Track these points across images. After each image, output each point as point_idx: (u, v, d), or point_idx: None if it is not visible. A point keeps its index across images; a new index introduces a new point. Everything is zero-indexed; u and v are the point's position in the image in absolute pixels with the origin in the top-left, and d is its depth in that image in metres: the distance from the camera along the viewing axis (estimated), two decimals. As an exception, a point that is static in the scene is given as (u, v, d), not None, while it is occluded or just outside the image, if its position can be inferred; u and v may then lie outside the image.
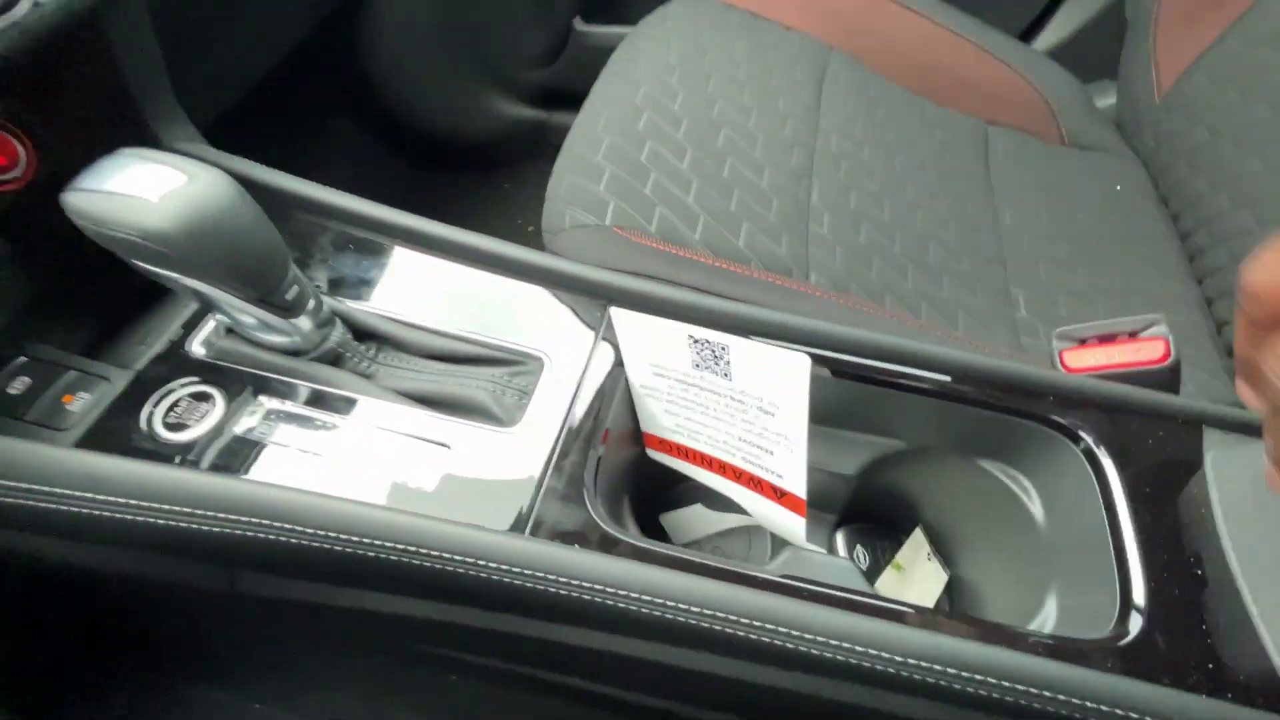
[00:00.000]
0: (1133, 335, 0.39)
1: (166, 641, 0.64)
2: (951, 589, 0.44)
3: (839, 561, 0.36)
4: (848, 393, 0.39)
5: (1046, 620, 0.33)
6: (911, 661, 0.27)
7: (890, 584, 0.42)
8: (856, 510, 0.45)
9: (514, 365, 0.37)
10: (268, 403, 0.34)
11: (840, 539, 0.42)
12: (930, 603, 0.43)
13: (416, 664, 0.52)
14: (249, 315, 0.33)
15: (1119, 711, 0.25)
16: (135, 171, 0.28)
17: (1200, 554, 0.30)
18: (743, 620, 0.27)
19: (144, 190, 0.27)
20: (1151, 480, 0.33)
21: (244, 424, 0.33)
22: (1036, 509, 0.37)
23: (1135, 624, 0.28)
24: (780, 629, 0.27)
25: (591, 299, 0.40)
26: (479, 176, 1.21)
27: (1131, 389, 0.35)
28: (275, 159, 0.53)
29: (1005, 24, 0.84)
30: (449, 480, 0.32)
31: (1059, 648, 0.28)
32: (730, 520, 0.43)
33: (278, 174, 0.43)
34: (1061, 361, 0.39)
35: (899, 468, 0.42)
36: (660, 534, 0.44)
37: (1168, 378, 0.37)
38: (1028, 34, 0.89)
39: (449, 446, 0.33)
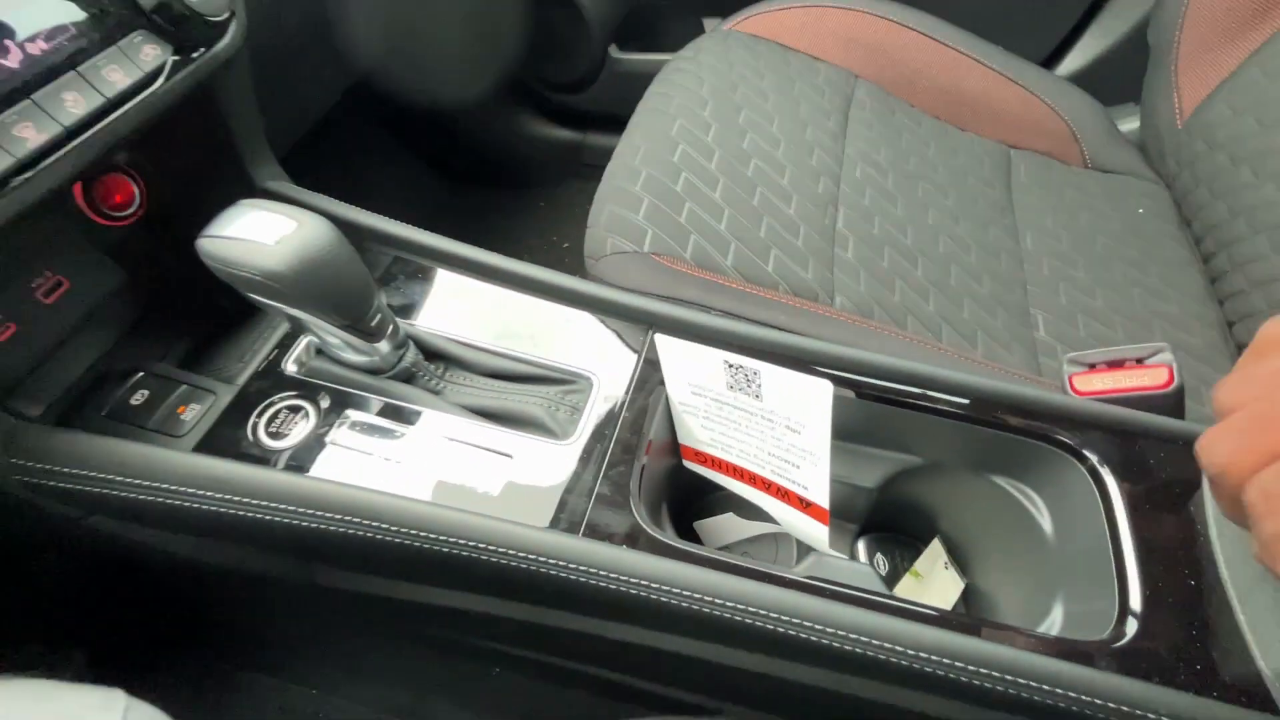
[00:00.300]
0: (1140, 361, 0.42)
1: (230, 632, 0.70)
2: (967, 597, 0.47)
3: (859, 567, 0.39)
4: (869, 412, 0.42)
5: (1053, 624, 0.36)
6: (924, 655, 0.30)
7: (908, 590, 0.45)
8: (877, 520, 0.48)
9: (566, 384, 0.41)
10: (353, 415, 0.38)
11: (862, 546, 0.45)
12: (950, 605, 0.46)
13: (462, 657, 0.57)
14: (336, 338, 0.38)
15: (1112, 705, 0.28)
16: (254, 219, 0.33)
17: (1194, 565, 0.33)
18: (772, 614, 0.31)
19: (262, 236, 0.32)
20: (1152, 498, 0.35)
21: (333, 433, 0.38)
22: (1045, 522, 0.40)
23: (1131, 628, 0.31)
24: (806, 623, 0.31)
25: (634, 324, 0.44)
26: (517, 195, 1.27)
27: (1136, 413, 0.38)
28: (334, 185, 0.58)
29: (1028, 51, 0.86)
30: (511, 486, 0.36)
31: (1061, 647, 0.31)
32: (759, 528, 0.47)
33: (353, 209, 0.48)
34: (1071, 385, 0.42)
35: (917, 481, 0.45)
36: (694, 539, 0.48)
37: (1172, 402, 0.39)
38: (1050, 60, 0.91)
39: (511, 456, 0.37)
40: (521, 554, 0.32)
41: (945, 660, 0.29)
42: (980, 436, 0.41)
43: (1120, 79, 0.89)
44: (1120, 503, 0.35)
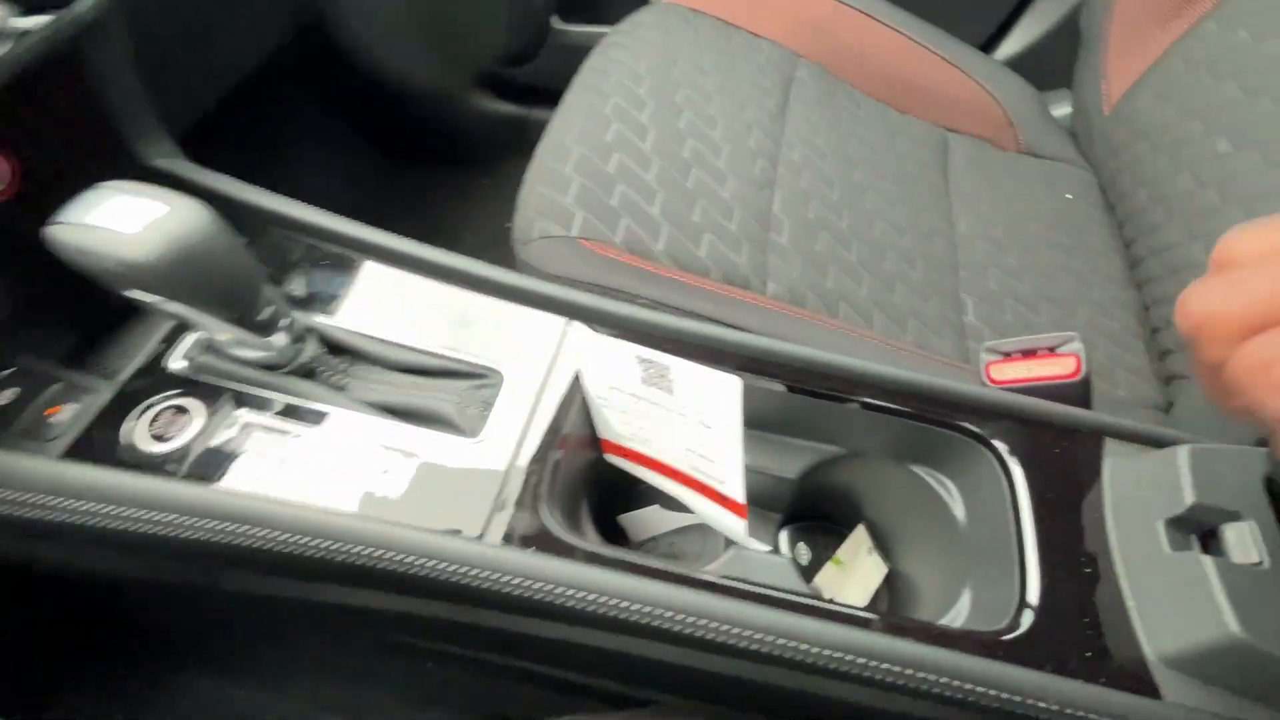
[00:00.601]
0: (1052, 350, 0.42)
1: (152, 634, 0.67)
2: (890, 581, 0.48)
3: (778, 560, 0.39)
4: (790, 403, 0.42)
5: (960, 613, 0.37)
6: (829, 653, 0.30)
7: (830, 578, 0.46)
8: (802, 509, 0.48)
9: (478, 379, 0.39)
10: (245, 415, 0.36)
11: (784, 537, 0.45)
12: (869, 594, 0.46)
13: (395, 652, 0.55)
14: (224, 333, 0.35)
15: (1006, 695, 0.29)
16: (116, 204, 0.30)
17: (1090, 554, 0.34)
18: (681, 617, 0.30)
19: (125, 223, 0.29)
20: (1055, 487, 0.36)
21: (222, 435, 0.35)
22: (959, 510, 0.41)
23: (1027, 619, 0.32)
24: (715, 624, 0.30)
25: (554, 314, 0.42)
26: (460, 172, 1.22)
27: (1043, 403, 0.38)
28: (255, 161, 0.54)
29: (967, 34, 0.87)
30: (415, 487, 0.35)
31: (960, 640, 0.31)
32: (684, 519, 0.46)
33: (254, 190, 0.45)
34: (987, 374, 0.43)
35: (839, 470, 0.45)
36: (619, 533, 0.47)
37: (1079, 390, 0.40)
38: (989, 44, 0.92)
39: (415, 455, 0.36)
40: (419, 560, 0.31)
41: (850, 657, 0.29)
42: (899, 426, 0.41)
43: (1056, 64, 0.90)
44: (1025, 492, 0.36)
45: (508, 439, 0.36)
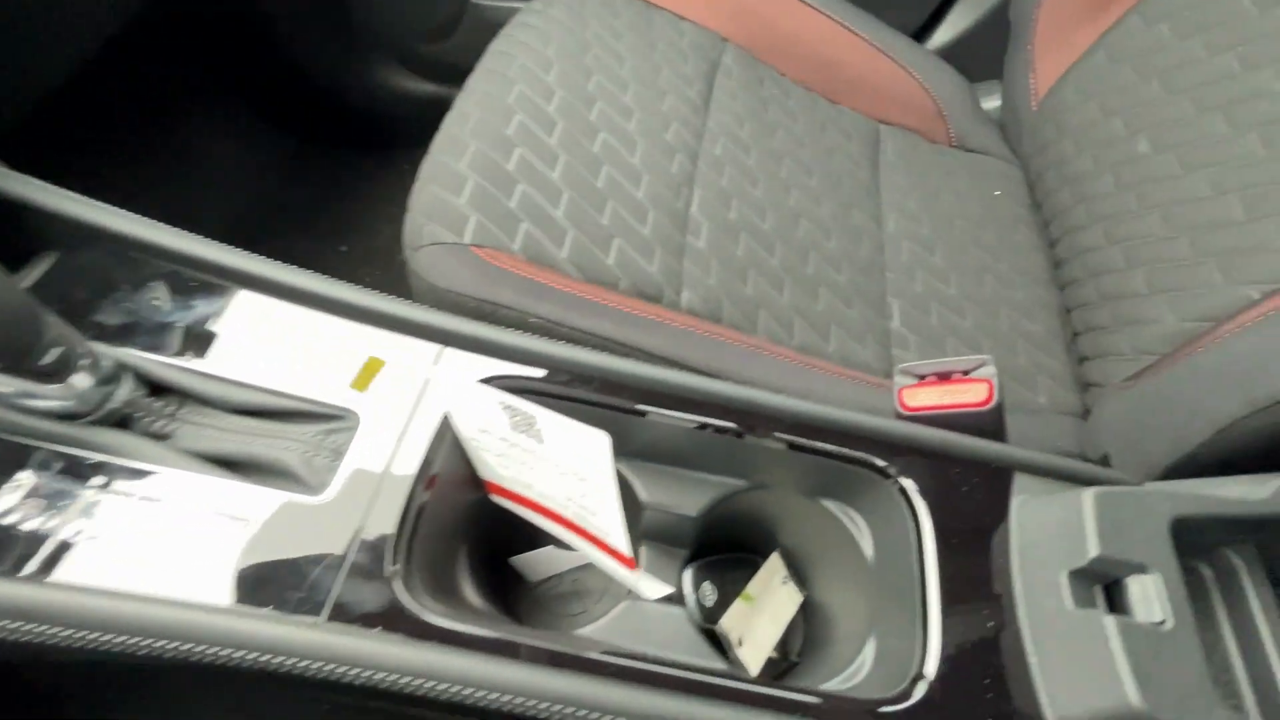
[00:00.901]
0: (966, 374, 0.40)
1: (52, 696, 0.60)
2: (807, 610, 0.45)
3: (673, 611, 0.36)
4: (691, 435, 0.38)
5: (864, 664, 0.34)
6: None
7: (739, 616, 0.43)
8: (711, 541, 0.45)
9: (330, 421, 0.34)
10: (32, 478, 0.30)
11: (688, 576, 0.42)
12: (782, 627, 0.44)
13: (285, 694, 0.50)
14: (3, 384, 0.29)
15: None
16: None
17: (995, 605, 0.31)
18: (534, 703, 0.27)
19: None
20: (961, 528, 0.34)
21: (2, 504, 0.29)
22: (868, 547, 0.38)
23: (923, 684, 0.29)
24: (577, 711, 0.27)
25: (428, 341, 0.37)
26: (378, 156, 1.14)
27: (951, 436, 0.36)
28: (133, 149, 0.46)
29: (898, 22, 0.84)
30: (246, 558, 0.30)
31: (845, 712, 0.28)
32: (580, 559, 0.43)
33: (67, 197, 0.38)
34: (900, 400, 0.40)
35: (746, 502, 0.42)
36: (510, 575, 0.43)
37: (990, 419, 0.38)
38: (921, 33, 0.89)
39: (246, 520, 0.31)
40: (238, 654, 0.26)
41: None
42: (807, 460, 0.38)
43: (989, 54, 0.88)
44: (930, 534, 0.34)
45: (359, 493, 0.32)
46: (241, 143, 1.05)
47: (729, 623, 0.43)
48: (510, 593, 0.44)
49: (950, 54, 0.89)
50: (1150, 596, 0.27)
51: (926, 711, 0.29)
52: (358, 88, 1.09)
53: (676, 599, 0.38)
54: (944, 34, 0.89)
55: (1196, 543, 0.33)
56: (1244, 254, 0.44)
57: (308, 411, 0.35)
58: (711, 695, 0.28)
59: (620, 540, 0.32)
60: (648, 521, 0.41)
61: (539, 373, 0.37)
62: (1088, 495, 0.30)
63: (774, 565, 0.46)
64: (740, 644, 0.42)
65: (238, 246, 0.38)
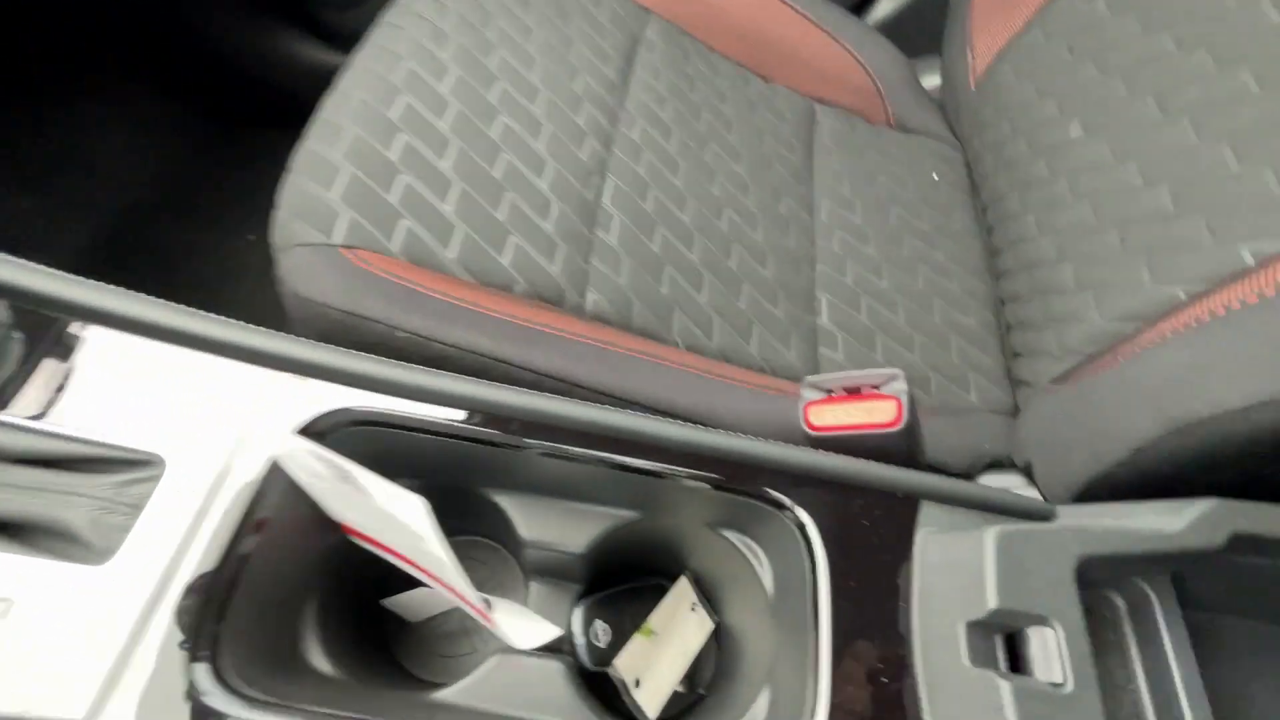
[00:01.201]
0: (876, 388, 0.37)
1: None
2: (720, 636, 0.42)
3: (549, 664, 0.32)
4: (573, 465, 0.34)
5: (759, 714, 0.31)
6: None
7: (637, 654, 0.39)
8: (612, 568, 0.42)
9: (134, 468, 0.29)
10: None
11: (578, 615, 0.38)
12: (689, 658, 0.41)
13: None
14: None
15: None
16: None
17: (892, 659, 0.28)
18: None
19: None
20: (860, 566, 0.31)
21: None
22: (768, 582, 0.35)
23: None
24: None
25: (263, 367, 0.32)
26: (293, 136, 1.06)
27: (853, 464, 0.33)
28: (7, 133, 0.39)
29: (836, -7, 0.79)
30: (6, 651, 0.25)
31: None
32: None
33: None
34: (806, 418, 0.37)
35: (646, 530, 0.39)
36: (384, 616, 0.39)
37: (899, 441, 0.35)
38: (861, 7, 0.85)
39: (11, 600, 0.26)
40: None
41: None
42: (702, 492, 0.34)
43: (933, 29, 0.85)
44: (825, 574, 0.30)
45: (156, 558, 0.27)
46: (138, 123, 0.96)
47: (624, 663, 0.39)
48: (391, 635, 0.40)
49: (891, 28, 0.85)
50: (1050, 653, 0.25)
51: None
52: (266, 61, 1.00)
53: (557, 646, 0.34)
54: (884, 7, 0.85)
55: (1108, 575, 0.30)
56: (1172, 251, 0.42)
57: (105, 458, 0.29)
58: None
59: (471, 598, 0.28)
60: (533, 558, 0.37)
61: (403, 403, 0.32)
62: (989, 537, 0.27)
63: (682, 590, 0.43)
64: (638, 685, 0.39)
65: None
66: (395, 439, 0.33)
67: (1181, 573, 0.31)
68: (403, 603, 0.39)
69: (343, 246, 0.43)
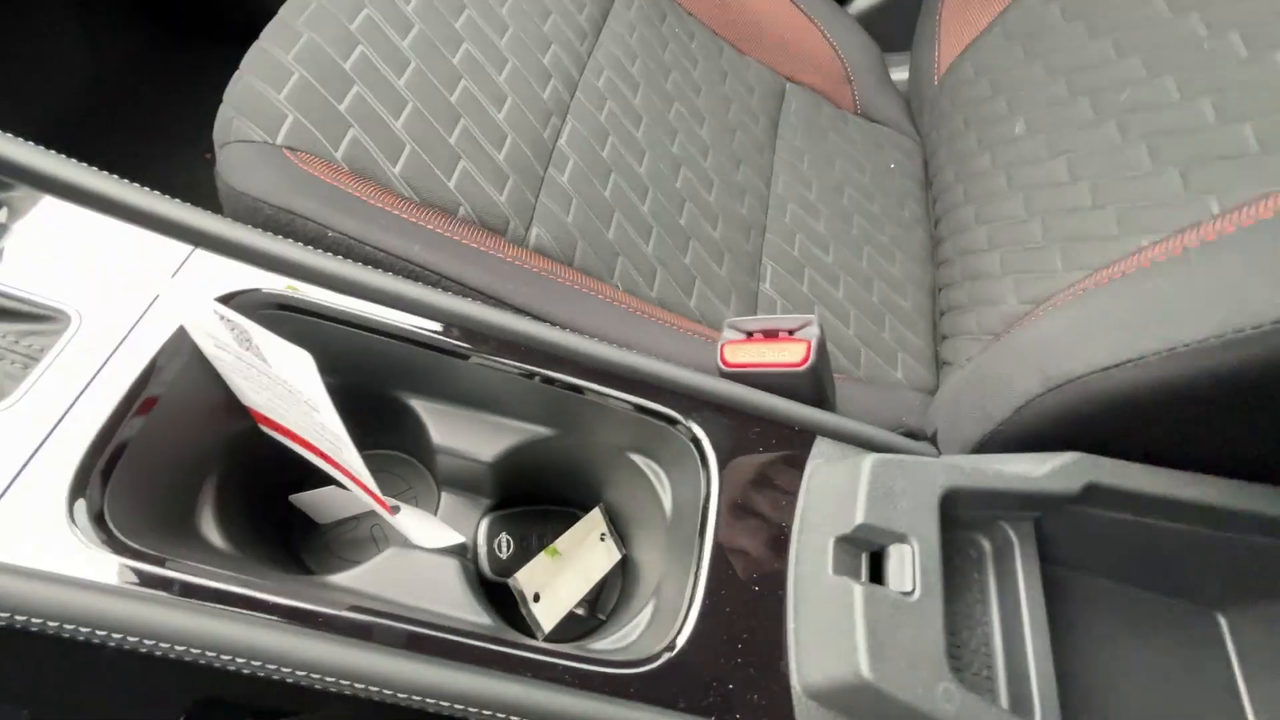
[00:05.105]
0: (791, 333, 0.38)
1: None
2: (626, 568, 0.43)
3: (447, 562, 0.33)
4: (488, 376, 0.35)
5: (640, 624, 0.33)
6: (403, 696, 0.24)
7: (539, 571, 0.40)
8: (531, 492, 0.43)
9: (35, 322, 0.29)
10: None
11: (484, 526, 0.39)
12: (590, 584, 0.42)
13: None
14: None
15: (624, 739, 0.25)
16: None
17: (765, 570, 0.30)
18: (226, 657, 0.23)
19: None
20: (750, 488, 0.32)
21: None
22: (668, 506, 0.36)
23: (677, 647, 0.28)
24: (296, 672, 0.24)
25: (179, 241, 0.32)
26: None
27: (756, 394, 0.34)
28: None
29: (818, -24, 0.80)
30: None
31: (592, 677, 0.26)
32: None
33: None
34: (721, 355, 0.38)
35: (563, 452, 0.40)
36: (295, 515, 0.39)
37: (806, 381, 0.36)
38: (841, -6, 0.86)
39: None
40: None
41: (438, 701, 0.24)
42: (612, 411, 0.35)
43: (909, 26, 0.86)
44: (715, 494, 0.32)
45: (48, 408, 0.27)
46: (90, 23, 0.92)
47: (525, 577, 0.40)
48: (298, 533, 0.40)
49: (870, 20, 0.87)
50: (905, 567, 0.27)
51: (669, 674, 0.27)
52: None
53: (460, 553, 0.35)
54: (865, 0, 0.87)
55: (977, 516, 0.33)
56: (1083, 240, 0.44)
57: (10, 309, 0.29)
58: (437, 653, 0.25)
59: (366, 476, 0.28)
60: (446, 467, 0.38)
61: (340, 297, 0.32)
62: (867, 462, 0.29)
63: (594, 520, 0.44)
64: (536, 599, 0.40)
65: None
66: (312, 328, 0.33)
67: (1043, 524, 0.33)
68: (311, 500, 0.39)
69: (285, 147, 0.43)
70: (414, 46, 0.51)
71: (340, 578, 0.31)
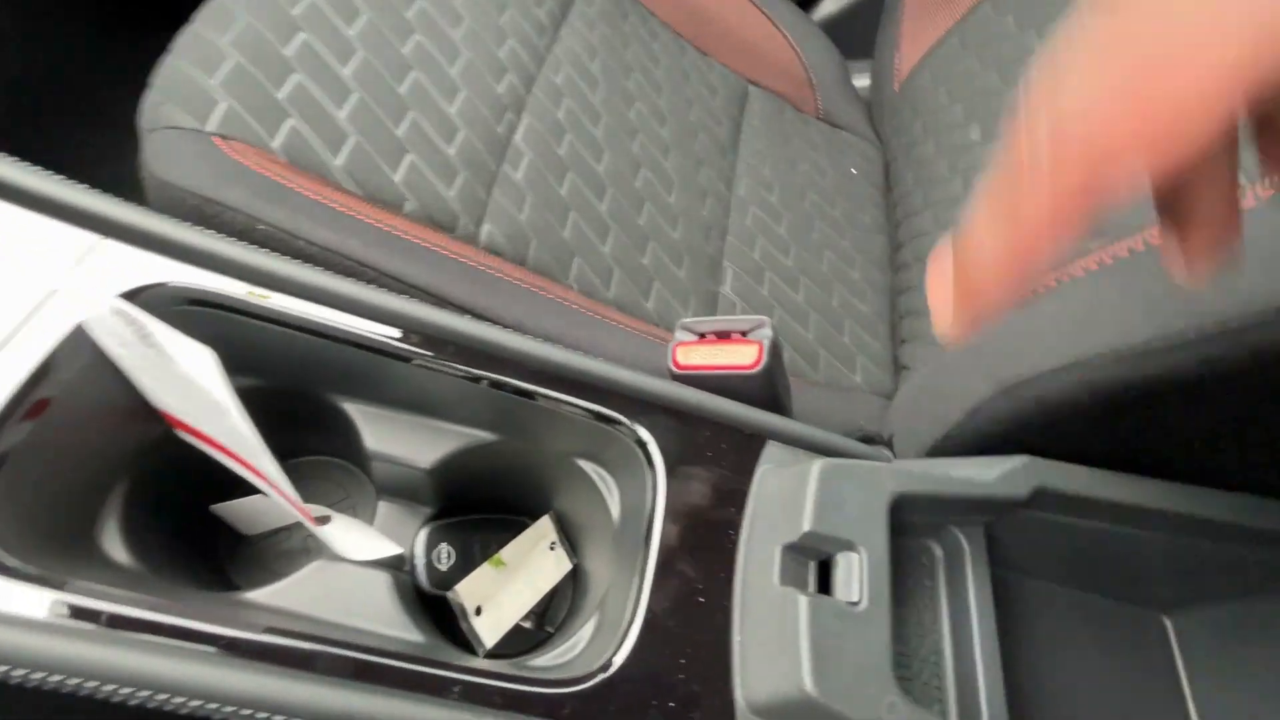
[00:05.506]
0: (744, 334, 0.37)
1: None
2: (578, 579, 0.42)
3: (377, 575, 0.31)
4: (429, 378, 0.33)
5: (581, 639, 0.31)
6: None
7: (481, 582, 0.38)
8: (475, 500, 0.41)
9: (-90, 315, 0.26)
10: None
11: (423, 536, 0.37)
12: (538, 595, 0.40)
13: None
14: None
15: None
16: None
17: (716, 578, 0.29)
18: (137, 694, 0.21)
19: None
20: (697, 493, 0.31)
21: None
22: (615, 513, 0.35)
23: (616, 662, 0.26)
24: (191, 702, 0.22)
25: (84, 230, 0.30)
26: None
27: (705, 396, 0.33)
28: None
29: (783, -18, 0.81)
30: None
31: (521, 697, 0.25)
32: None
33: None
34: (673, 356, 0.37)
35: (508, 458, 0.38)
36: (220, 526, 0.37)
37: (758, 383, 0.35)
38: (807, 3, 0.87)
39: None
40: None
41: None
42: (557, 415, 0.34)
43: (869, 33, 0.87)
44: (662, 499, 0.31)
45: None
46: (15, 23, 0.87)
47: (466, 589, 0.38)
48: (225, 546, 0.38)
49: (833, 27, 0.87)
50: (852, 576, 0.26)
51: (607, 693, 0.26)
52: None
53: (396, 565, 0.33)
54: (828, 6, 0.87)
55: (928, 522, 0.32)
56: (1036, 244, 0.44)
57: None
58: (346, 674, 0.23)
59: (284, 484, 0.26)
60: (383, 474, 0.36)
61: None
62: (815, 467, 0.28)
63: (543, 529, 0.42)
64: (478, 612, 0.38)
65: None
66: (235, 326, 0.31)
67: (993, 529, 0.33)
68: (234, 511, 0.37)
69: (216, 135, 0.41)
70: (361, 36, 0.49)
71: (258, 594, 0.29)
